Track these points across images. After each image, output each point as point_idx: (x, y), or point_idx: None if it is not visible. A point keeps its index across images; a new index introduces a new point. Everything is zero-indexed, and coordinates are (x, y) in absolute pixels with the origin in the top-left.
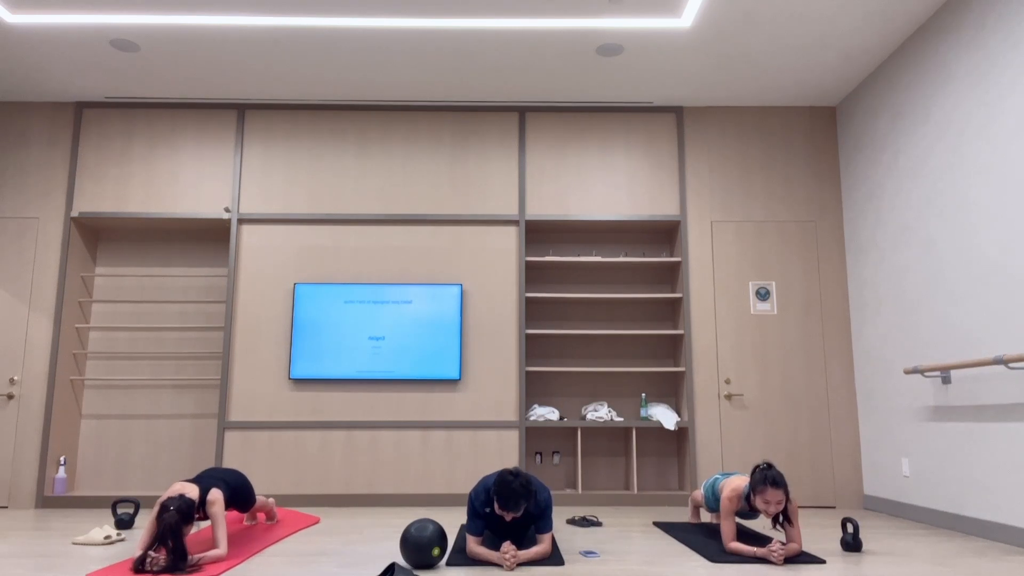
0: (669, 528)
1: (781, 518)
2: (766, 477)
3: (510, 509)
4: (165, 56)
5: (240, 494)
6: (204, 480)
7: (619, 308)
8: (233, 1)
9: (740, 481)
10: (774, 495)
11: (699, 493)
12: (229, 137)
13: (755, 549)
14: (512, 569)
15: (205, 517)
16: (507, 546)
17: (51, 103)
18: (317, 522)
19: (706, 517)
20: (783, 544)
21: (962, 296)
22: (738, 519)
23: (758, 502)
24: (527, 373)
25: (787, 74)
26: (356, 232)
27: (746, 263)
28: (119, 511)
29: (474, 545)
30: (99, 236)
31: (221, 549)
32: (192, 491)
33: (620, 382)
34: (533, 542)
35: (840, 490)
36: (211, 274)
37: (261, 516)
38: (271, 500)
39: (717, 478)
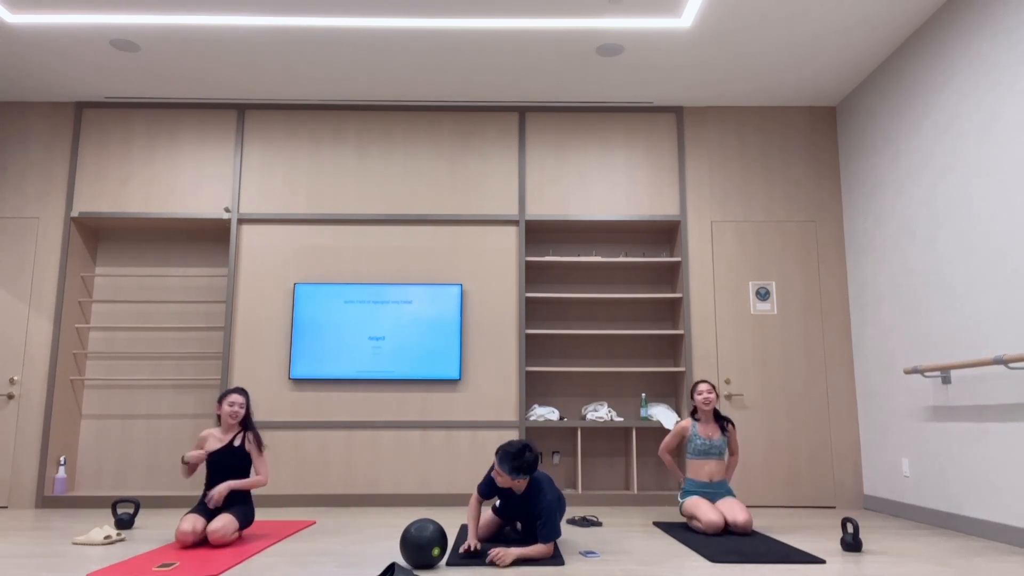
0: (669, 528)
1: (727, 424)
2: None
3: (502, 466)
4: (165, 56)
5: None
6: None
7: (619, 308)
8: (233, 1)
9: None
10: (704, 387)
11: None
12: (229, 137)
13: (680, 474)
14: (504, 566)
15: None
16: (495, 551)
17: (51, 103)
18: (313, 524)
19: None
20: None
21: (962, 296)
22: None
23: (697, 401)
24: (527, 373)
25: (787, 74)
26: (356, 232)
27: (746, 263)
28: (119, 511)
29: (474, 503)
30: (99, 236)
31: (262, 476)
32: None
33: (620, 382)
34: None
35: (840, 490)
36: (211, 274)
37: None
38: None
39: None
